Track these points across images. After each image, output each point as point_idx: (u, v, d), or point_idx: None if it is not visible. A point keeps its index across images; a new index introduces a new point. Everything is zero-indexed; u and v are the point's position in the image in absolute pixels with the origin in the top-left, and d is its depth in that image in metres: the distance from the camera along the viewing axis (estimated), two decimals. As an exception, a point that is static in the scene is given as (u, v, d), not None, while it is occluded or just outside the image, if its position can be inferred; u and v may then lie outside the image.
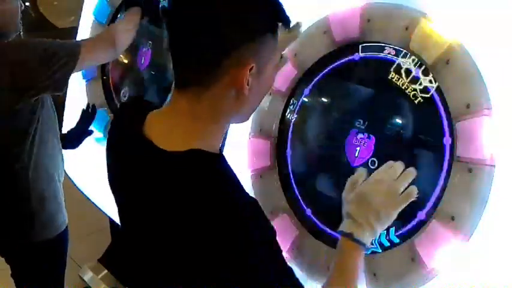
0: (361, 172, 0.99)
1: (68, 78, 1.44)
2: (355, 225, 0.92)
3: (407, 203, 0.94)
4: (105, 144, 0.96)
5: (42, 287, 1.66)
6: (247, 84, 0.78)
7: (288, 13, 0.84)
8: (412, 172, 0.95)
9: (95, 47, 1.53)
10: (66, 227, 1.67)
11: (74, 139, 1.79)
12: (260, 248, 0.76)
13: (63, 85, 1.45)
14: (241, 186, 0.81)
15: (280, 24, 0.84)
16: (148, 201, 0.82)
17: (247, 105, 0.83)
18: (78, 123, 1.81)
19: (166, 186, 0.79)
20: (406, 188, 0.94)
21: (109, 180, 0.94)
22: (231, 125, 0.89)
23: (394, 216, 0.94)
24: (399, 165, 0.96)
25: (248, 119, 0.90)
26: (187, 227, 0.76)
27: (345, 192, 0.97)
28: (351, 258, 0.92)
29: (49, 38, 1.75)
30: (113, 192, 0.94)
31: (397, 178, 0.94)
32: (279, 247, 0.79)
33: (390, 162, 0.97)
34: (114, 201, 0.95)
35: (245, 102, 0.81)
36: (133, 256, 0.93)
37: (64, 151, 2.10)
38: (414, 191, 0.94)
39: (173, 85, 0.84)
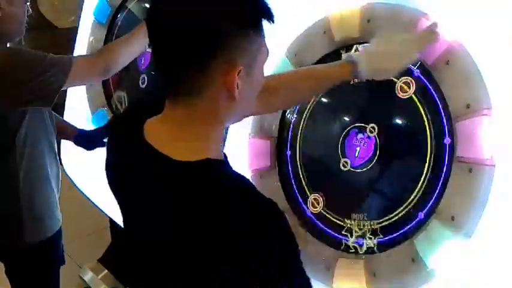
0: None
1: (56, 95, 1.38)
2: None
3: None
4: (106, 148, 0.96)
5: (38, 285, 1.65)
6: (237, 87, 0.78)
7: (271, 8, 0.81)
8: None
9: (87, 66, 1.44)
10: (59, 229, 1.65)
11: (86, 140, 1.73)
12: (281, 247, 0.77)
13: (51, 100, 1.39)
14: (255, 188, 0.82)
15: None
16: (155, 207, 0.81)
17: (239, 106, 0.83)
18: (97, 129, 1.77)
19: (176, 193, 0.78)
20: None
21: (110, 185, 0.94)
22: (231, 125, 0.89)
23: None
24: None
25: (242, 119, 0.90)
26: (200, 231, 0.75)
27: None
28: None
29: (48, 39, 1.75)
30: (116, 196, 0.94)
31: None
32: (297, 246, 0.80)
33: None
34: (115, 202, 0.95)
35: (237, 104, 0.81)
36: (136, 257, 0.93)
37: (63, 152, 2.10)
38: None
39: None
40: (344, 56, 1.18)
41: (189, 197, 0.77)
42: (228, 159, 0.88)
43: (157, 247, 0.83)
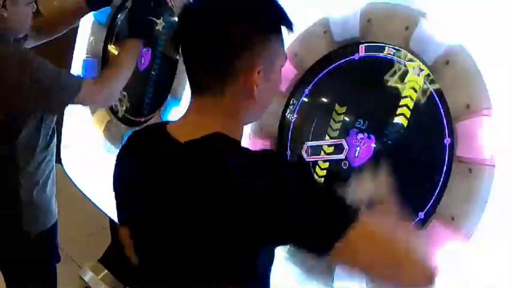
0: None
1: (64, 108, 1.49)
2: None
3: None
4: (115, 153, 0.96)
5: (33, 282, 1.64)
6: (257, 87, 0.84)
7: (289, 15, 0.88)
8: None
9: (96, 90, 1.54)
10: (55, 222, 1.66)
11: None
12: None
13: (56, 111, 1.49)
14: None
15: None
16: (175, 195, 0.83)
17: (257, 106, 0.89)
18: None
19: (192, 173, 0.81)
20: None
21: (121, 188, 0.95)
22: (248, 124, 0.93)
23: None
24: None
25: (261, 117, 0.96)
26: (221, 205, 0.77)
27: None
28: None
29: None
30: (125, 198, 0.95)
31: None
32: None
33: None
34: (114, 202, 0.95)
35: (256, 102, 0.87)
36: (143, 256, 0.93)
37: (63, 152, 2.10)
38: None
39: (190, 93, 0.89)
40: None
41: (201, 170, 0.80)
42: None
43: (174, 236, 0.84)
